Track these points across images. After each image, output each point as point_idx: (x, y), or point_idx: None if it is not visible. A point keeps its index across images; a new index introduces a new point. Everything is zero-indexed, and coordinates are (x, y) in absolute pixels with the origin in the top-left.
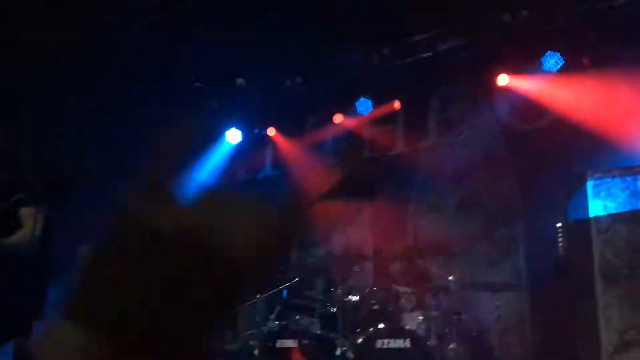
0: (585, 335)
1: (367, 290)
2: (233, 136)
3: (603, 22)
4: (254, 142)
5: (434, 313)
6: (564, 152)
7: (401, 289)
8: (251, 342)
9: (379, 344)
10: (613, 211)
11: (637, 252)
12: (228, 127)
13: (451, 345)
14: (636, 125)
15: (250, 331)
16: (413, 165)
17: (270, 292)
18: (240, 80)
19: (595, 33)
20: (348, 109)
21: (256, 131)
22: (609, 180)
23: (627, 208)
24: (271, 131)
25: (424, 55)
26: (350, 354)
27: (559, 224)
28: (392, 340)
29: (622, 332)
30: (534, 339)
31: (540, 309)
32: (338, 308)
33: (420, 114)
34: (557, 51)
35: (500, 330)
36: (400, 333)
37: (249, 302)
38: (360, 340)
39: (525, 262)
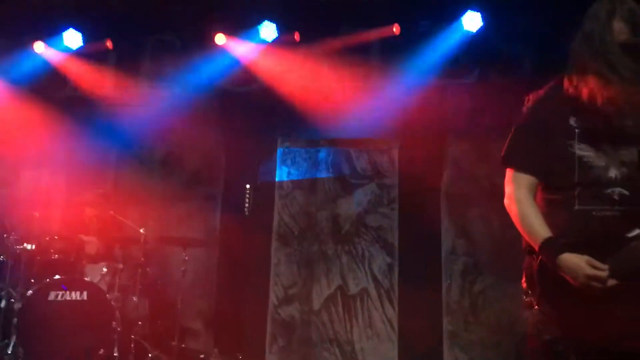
0: (256, 290)
1: (47, 238)
2: None
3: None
4: None
5: (120, 265)
6: (265, 119)
7: (87, 238)
8: None
9: (52, 296)
10: (295, 178)
11: (308, 215)
12: None
13: (134, 298)
14: (328, 105)
15: None
16: (119, 112)
17: None
18: None
19: (310, 13)
20: (53, 39)
21: None
22: (295, 149)
23: (307, 176)
24: None
25: None
26: (17, 306)
27: (247, 185)
28: (67, 293)
29: (288, 287)
30: (218, 293)
31: (226, 265)
32: (9, 256)
33: (133, 59)
34: (274, 22)
35: (186, 284)
36: (78, 285)
37: None
38: (30, 292)
39: (220, 220)
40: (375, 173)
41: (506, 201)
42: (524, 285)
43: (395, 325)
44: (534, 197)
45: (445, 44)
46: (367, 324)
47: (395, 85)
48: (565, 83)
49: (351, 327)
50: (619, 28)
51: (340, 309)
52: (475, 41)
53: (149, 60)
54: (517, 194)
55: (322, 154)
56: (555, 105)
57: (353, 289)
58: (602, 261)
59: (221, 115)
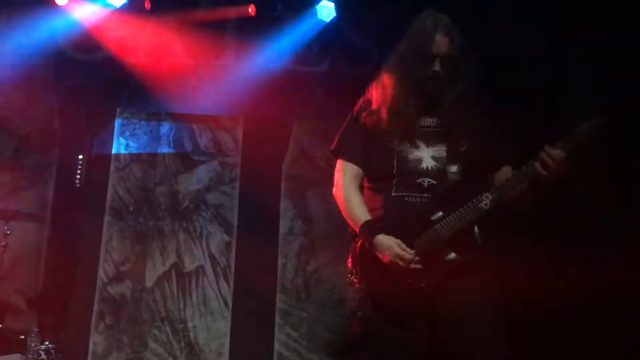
0: (85, 265)
1: None
2: None
3: None
4: None
5: None
6: (105, 87)
7: None
8: None
9: None
10: (134, 151)
11: (146, 190)
12: None
13: None
14: (175, 78)
15: None
16: None
17: None
18: None
19: None
20: None
21: None
22: (136, 121)
23: (147, 150)
24: None
25: None
26: None
27: (80, 156)
28: None
29: (119, 263)
30: (45, 270)
31: (55, 240)
32: None
33: None
34: None
35: (8, 260)
36: None
37: None
38: None
39: (54, 192)
40: (218, 151)
41: (334, 189)
42: (349, 265)
43: (230, 302)
44: (359, 185)
45: (299, 30)
46: (201, 302)
47: (247, 66)
48: (383, 82)
49: (184, 305)
50: (441, 41)
51: (174, 286)
52: (328, 31)
53: None
54: (344, 182)
55: (165, 128)
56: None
57: (189, 266)
58: (413, 240)
59: (58, 80)
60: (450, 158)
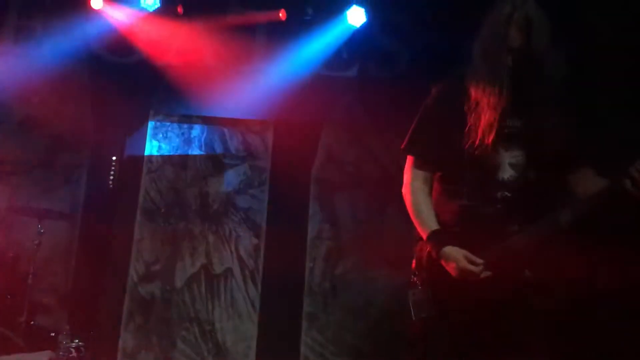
0: (116, 265)
1: None
2: None
3: None
4: None
5: None
6: (138, 89)
7: None
8: None
9: None
10: (166, 153)
11: (177, 192)
12: None
13: None
14: (206, 82)
15: None
16: None
17: None
18: None
19: None
20: None
21: None
22: (168, 124)
23: (178, 152)
24: None
25: None
26: None
27: (114, 157)
28: None
29: (150, 264)
30: (75, 268)
31: (87, 239)
32: None
33: None
34: None
35: (41, 258)
36: None
37: None
38: None
39: (85, 191)
40: (248, 154)
41: (403, 189)
42: (413, 266)
43: (257, 305)
44: (430, 186)
45: (329, 35)
46: (229, 304)
47: (277, 70)
48: (465, 81)
49: (213, 306)
50: (516, 33)
51: (202, 288)
52: (357, 36)
53: (15, 15)
54: (413, 184)
55: (196, 131)
56: (455, 101)
57: (218, 268)
58: (482, 253)
59: (92, 82)
60: (529, 164)
